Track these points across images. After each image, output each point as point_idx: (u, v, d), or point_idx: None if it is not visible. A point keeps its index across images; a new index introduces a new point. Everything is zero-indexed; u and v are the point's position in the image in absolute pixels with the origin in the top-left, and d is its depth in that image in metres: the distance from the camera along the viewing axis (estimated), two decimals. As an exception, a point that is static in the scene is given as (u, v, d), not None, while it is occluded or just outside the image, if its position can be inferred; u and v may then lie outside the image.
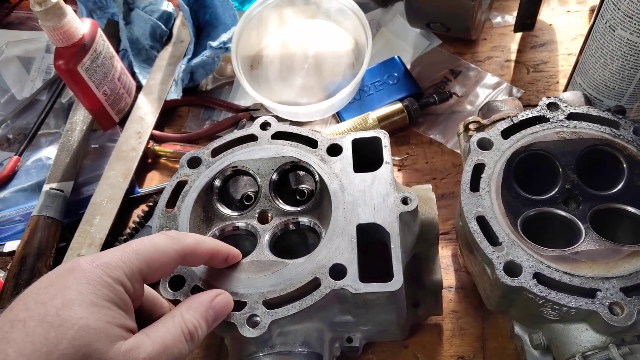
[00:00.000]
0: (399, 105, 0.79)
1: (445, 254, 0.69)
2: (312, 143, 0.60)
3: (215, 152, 0.62)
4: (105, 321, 0.39)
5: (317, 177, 0.58)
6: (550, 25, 0.89)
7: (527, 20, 0.83)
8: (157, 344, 0.41)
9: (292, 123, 0.79)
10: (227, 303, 0.48)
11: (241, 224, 0.58)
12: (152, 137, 0.84)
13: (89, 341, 0.37)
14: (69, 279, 0.40)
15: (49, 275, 0.41)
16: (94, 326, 0.38)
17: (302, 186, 0.63)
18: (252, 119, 0.83)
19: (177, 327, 0.43)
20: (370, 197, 0.55)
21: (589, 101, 0.64)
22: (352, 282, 0.50)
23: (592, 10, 0.89)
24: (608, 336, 0.48)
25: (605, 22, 0.61)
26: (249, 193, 0.62)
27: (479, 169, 0.56)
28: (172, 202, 0.58)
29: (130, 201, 0.80)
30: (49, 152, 0.85)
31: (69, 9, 0.73)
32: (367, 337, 0.59)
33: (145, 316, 0.47)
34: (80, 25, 0.76)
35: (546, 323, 0.52)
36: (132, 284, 0.42)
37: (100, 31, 0.79)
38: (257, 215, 0.58)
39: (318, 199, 0.58)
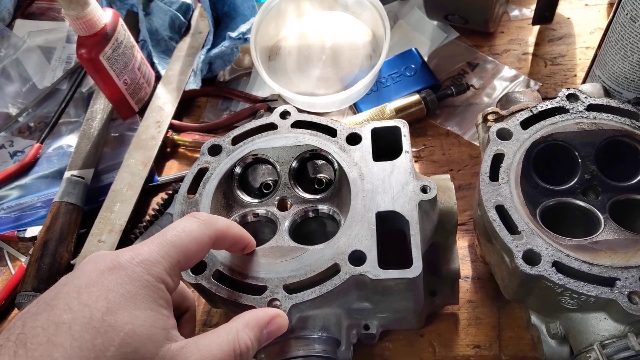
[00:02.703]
0: (416, 97, 0.80)
1: (462, 244, 0.70)
2: (331, 132, 0.61)
3: (236, 140, 0.62)
4: (150, 325, 0.38)
5: (336, 166, 0.59)
6: (568, 18, 0.88)
7: (545, 13, 0.83)
8: (205, 357, 0.40)
9: (310, 114, 0.80)
10: (283, 326, 0.47)
11: (261, 210, 0.59)
12: (171, 127, 0.86)
13: (135, 348, 0.37)
14: (110, 279, 0.39)
15: (88, 271, 0.40)
16: (139, 332, 0.38)
17: (320, 175, 0.63)
18: (270, 109, 0.84)
19: (230, 345, 0.42)
20: (389, 185, 0.55)
21: (608, 93, 0.64)
22: (371, 268, 0.50)
23: (610, 4, 0.89)
24: (626, 325, 0.48)
25: (627, 14, 0.61)
26: (268, 181, 0.63)
27: (498, 158, 0.56)
28: (193, 189, 0.59)
29: (149, 189, 0.81)
30: (69, 140, 0.87)
31: (91, -2, 0.74)
32: (384, 325, 0.59)
33: (173, 307, 0.46)
34: (103, 14, 0.77)
35: (564, 312, 0.52)
36: (171, 279, 0.42)
37: (121, 21, 0.80)
38: (276, 203, 0.59)
39: (337, 187, 0.59)
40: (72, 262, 0.74)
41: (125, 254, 0.41)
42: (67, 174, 0.79)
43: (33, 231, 0.79)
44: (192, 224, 0.45)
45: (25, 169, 0.84)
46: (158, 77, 0.91)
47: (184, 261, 0.43)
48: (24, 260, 0.78)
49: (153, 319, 0.39)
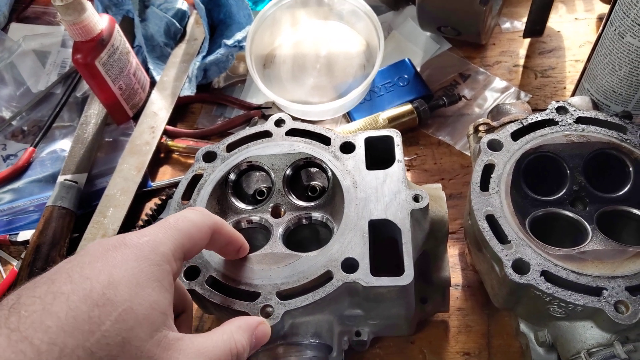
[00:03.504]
0: (408, 107, 0.81)
1: (452, 253, 0.70)
2: (325, 140, 0.62)
3: (231, 147, 0.63)
4: (149, 306, 0.38)
5: (329, 174, 0.60)
6: (559, 32, 0.90)
7: (536, 27, 0.84)
8: (200, 355, 0.40)
9: (304, 122, 0.81)
10: (267, 334, 0.47)
11: (255, 217, 0.60)
12: (165, 132, 0.86)
13: (131, 325, 0.36)
14: (116, 255, 0.39)
15: (94, 249, 0.39)
16: (137, 310, 0.37)
17: (313, 183, 0.64)
18: (264, 116, 0.85)
19: (226, 345, 0.42)
20: (382, 193, 0.56)
21: (596, 106, 0.65)
22: (363, 276, 0.51)
23: (599, 18, 0.91)
24: (613, 334, 0.49)
25: (615, 29, 0.62)
26: (262, 188, 0.64)
27: (488, 169, 0.57)
28: (187, 195, 0.60)
29: (142, 194, 0.82)
30: (63, 145, 0.87)
31: (88, 4, 0.75)
32: (375, 332, 0.60)
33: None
34: (99, 20, 0.77)
35: (552, 321, 0.53)
36: (175, 262, 0.41)
37: (117, 27, 0.81)
38: (270, 210, 0.60)
39: (330, 195, 0.60)
40: (64, 266, 0.74)
41: (131, 235, 0.41)
42: (60, 178, 0.79)
43: (25, 235, 0.78)
44: (191, 213, 0.45)
45: (18, 173, 0.84)
46: (153, 83, 0.91)
47: (188, 246, 0.43)
48: (15, 264, 0.78)
49: (154, 300, 0.38)
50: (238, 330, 0.44)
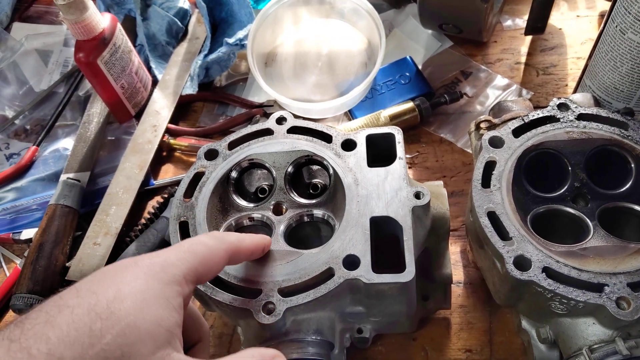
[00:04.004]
0: (410, 104, 0.81)
1: (454, 250, 0.70)
2: (326, 138, 0.62)
3: (232, 145, 0.63)
4: (154, 322, 0.37)
5: (331, 171, 0.60)
6: (560, 29, 0.90)
7: (538, 24, 0.84)
8: None
9: (305, 120, 0.81)
10: None
11: (257, 215, 0.60)
12: (168, 131, 0.86)
13: (132, 341, 0.35)
14: (126, 273, 0.39)
15: (106, 269, 0.40)
16: (141, 326, 0.36)
17: (315, 180, 0.64)
18: (266, 115, 0.85)
19: None
20: (383, 191, 0.56)
21: (598, 103, 0.65)
22: (365, 273, 0.51)
23: (601, 16, 0.91)
24: (614, 330, 0.49)
25: (616, 26, 0.62)
26: (263, 186, 0.64)
27: (490, 166, 0.57)
28: (189, 192, 0.60)
29: (145, 192, 0.82)
30: (65, 143, 0.87)
31: (90, 3, 0.75)
32: (377, 329, 0.60)
33: (184, 332, 0.43)
34: (101, 19, 0.77)
35: (553, 317, 0.53)
36: (186, 285, 0.41)
37: (119, 25, 0.81)
38: (272, 207, 0.60)
39: (332, 192, 0.60)
40: (67, 264, 0.74)
41: (144, 256, 0.41)
42: (63, 177, 0.80)
43: (28, 233, 0.79)
44: (206, 237, 0.45)
45: (21, 172, 0.85)
46: (155, 82, 0.92)
47: (201, 270, 0.42)
48: (19, 262, 0.78)
49: (159, 317, 0.37)
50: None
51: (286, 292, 0.51)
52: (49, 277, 0.71)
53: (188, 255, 0.42)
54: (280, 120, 0.64)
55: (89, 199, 0.81)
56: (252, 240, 0.50)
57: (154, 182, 0.83)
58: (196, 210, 0.58)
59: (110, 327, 0.35)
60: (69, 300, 0.36)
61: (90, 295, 0.36)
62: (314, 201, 0.60)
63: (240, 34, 0.87)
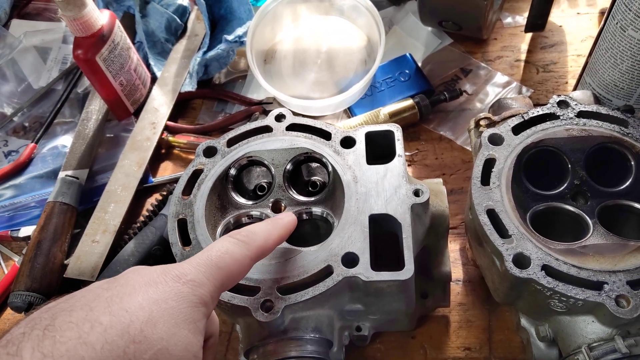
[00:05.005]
0: (410, 102, 0.81)
1: (453, 248, 0.70)
2: (326, 135, 0.62)
3: (231, 142, 0.63)
4: (184, 348, 0.38)
5: (330, 169, 0.59)
6: (560, 26, 0.90)
7: (538, 21, 0.84)
8: None
9: (305, 117, 0.81)
10: None
11: (255, 212, 0.59)
12: (166, 128, 0.86)
13: None
14: (156, 291, 0.38)
15: (134, 280, 0.39)
16: (172, 351, 0.37)
17: (314, 178, 0.64)
18: (265, 112, 0.85)
19: None
20: (382, 188, 0.56)
21: (598, 100, 0.65)
22: (364, 270, 0.51)
23: (601, 13, 0.90)
24: (614, 328, 0.49)
25: (616, 23, 0.62)
26: (262, 183, 0.64)
27: (489, 163, 0.57)
28: (188, 190, 0.60)
29: (143, 190, 0.82)
30: (64, 141, 0.87)
31: (89, -1, 0.75)
32: (375, 327, 0.60)
33: None
34: (100, 16, 0.77)
35: (553, 315, 0.53)
36: (212, 303, 0.41)
37: (118, 22, 0.81)
38: (270, 205, 0.60)
39: (331, 190, 0.59)
40: (65, 262, 0.74)
41: (172, 271, 0.40)
42: (61, 174, 0.79)
43: (27, 231, 0.79)
44: (234, 246, 0.44)
45: (19, 169, 0.85)
46: (154, 79, 0.91)
47: (227, 284, 0.43)
48: (17, 259, 0.78)
49: (188, 342, 0.38)
50: None
51: (285, 290, 0.51)
52: (47, 274, 0.71)
53: (216, 271, 0.42)
54: (279, 118, 0.64)
55: (87, 197, 0.80)
56: (279, 235, 0.49)
57: (153, 179, 0.83)
58: (195, 208, 0.58)
59: (143, 351, 0.35)
60: (101, 315, 0.36)
61: (123, 314, 0.36)
62: (312, 199, 0.60)
63: (239, 31, 0.87)
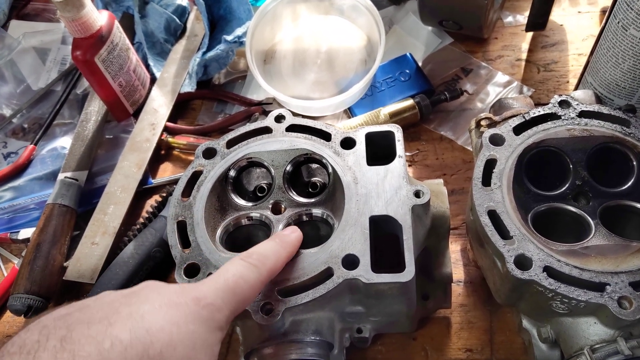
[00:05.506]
0: (410, 102, 0.80)
1: (454, 248, 0.70)
2: (325, 136, 0.61)
3: (230, 144, 0.63)
4: None
5: (330, 170, 0.59)
6: (561, 25, 0.89)
7: (539, 20, 0.84)
8: None
9: (305, 117, 0.80)
10: None
11: (255, 214, 0.59)
12: (166, 129, 0.86)
13: None
14: (176, 313, 0.39)
15: (153, 297, 0.39)
16: None
17: (314, 179, 0.63)
18: (265, 112, 0.84)
19: None
20: (383, 189, 0.56)
21: (599, 100, 0.64)
22: (364, 272, 0.50)
23: (603, 12, 0.90)
24: (616, 330, 0.49)
25: (618, 22, 0.61)
26: (262, 185, 0.63)
27: (490, 164, 0.57)
28: (187, 192, 0.60)
29: (143, 191, 0.82)
30: (63, 142, 0.87)
31: (87, 0, 0.74)
32: (376, 329, 0.60)
33: None
34: (98, 16, 0.77)
35: (555, 317, 0.53)
36: (226, 327, 0.42)
37: (117, 23, 0.81)
38: (270, 206, 0.59)
39: (331, 191, 0.59)
40: (65, 264, 0.74)
41: (192, 293, 0.41)
42: (60, 176, 0.79)
43: (26, 233, 0.78)
44: (248, 271, 0.45)
45: (18, 171, 0.84)
46: (153, 80, 0.91)
47: (240, 308, 0.44)
48: (16, 262, 0.78)
49: None
50: None
51: (285, 292, 0.51)
52: (46, 277, 0.71)
53: (232, 297, 0.43)
54: (279, 119, 0.63)
55: (86, 198, 0.80)
56: (288, 255, 0.50)
57: (152, 180, 0.82)
58: (194, 210, 0.58)
59: None
60: (120, 333, 0.36)
61: (144, 334, 0.36)
62: (312, 200, 0.59)
63: (238, 31, 0.86)
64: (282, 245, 0.50)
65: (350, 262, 0.51)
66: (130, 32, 0.93)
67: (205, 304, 0.40)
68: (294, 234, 0.52)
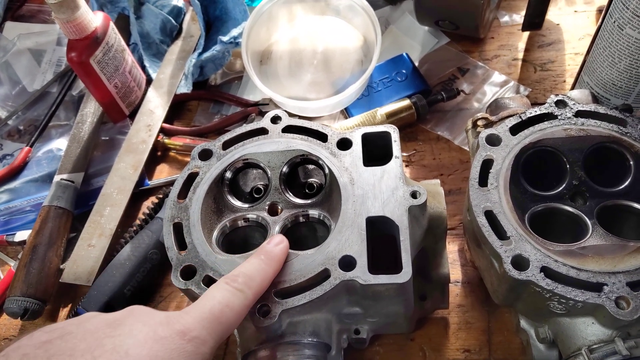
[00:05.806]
0: (407, 102, 0.80)
1: (451, 249, 0.70)
2: (322, 137, 0.61)
3: (227, 145, 0.62)
4: None
5: (327, 171, 0.59)
6: (558, 24, 0.89)
7: (535, 20, 0.84)
8: None
9: (301, 118, 0.80)
10: None
11: (252, 215, 0.59)
12: (162, 130, 0.85)
13: None
14: (162, 348, 0.39)
15: (137, 330, 0.39)
16: None
17: (310, 180, 0.63)
18: (261, 113, 0.84)
19: None
20: (379, 190, 0.55)
21: (596, 99, 0.64)
22: (361, 274, 0.50)
23: (599, 11, 0.90)
24: (614, 330, 0.49)
25: (614, 21, 0.61)
26: (259, 186, 0.63)
27: (487, 164, 0.57)
28: (183, 193, 0.59)
29: (139, 193, 0.81)
30: (59, 144, 0.86)
31: (82, 1, 0.74)
32: (374, 330, 0.59)
33: None
34: (93, 18, 0.76)
35: (552, 317, 0.53)
36: (211, 358, 0.42)
37: (112, 24, 0.80)
38: (267, 208, 0.59)
39: (328, 192, 0.59)
40: (61, 266, 0.73)
41: (176, 325, 0.41)
42: (56, 178, 0.79)
43: (22, 235, 0.78)
44: (234, 297, 0.45)
45: (14, 173, 0.84)
46: (149, 81, 0.91)
47: (225, 336, 0.44)
48: (12, 264, 0.77)
49: None
50: None
51: (282, 294, 0.51)
52: (43, 279, 0.71)
53: (217, 327, 0.43)
54: (275, 120, 0.63)
55: (83, 200, 0.80)
56: (274, 271, 0.50)
57: (149, 182, 0.82)
58: (190, 212, 0.57)
59: None
60: None
61: None
62: (309, 201, 0.59)
63: (234, 32, 0.86)
64: (268, 263, 0.50)
65: (347, 263, 0.51)
66: (126, 33, 0.92)
67: (191, 337, 0.40)
68: (279, 246, 0.51)
